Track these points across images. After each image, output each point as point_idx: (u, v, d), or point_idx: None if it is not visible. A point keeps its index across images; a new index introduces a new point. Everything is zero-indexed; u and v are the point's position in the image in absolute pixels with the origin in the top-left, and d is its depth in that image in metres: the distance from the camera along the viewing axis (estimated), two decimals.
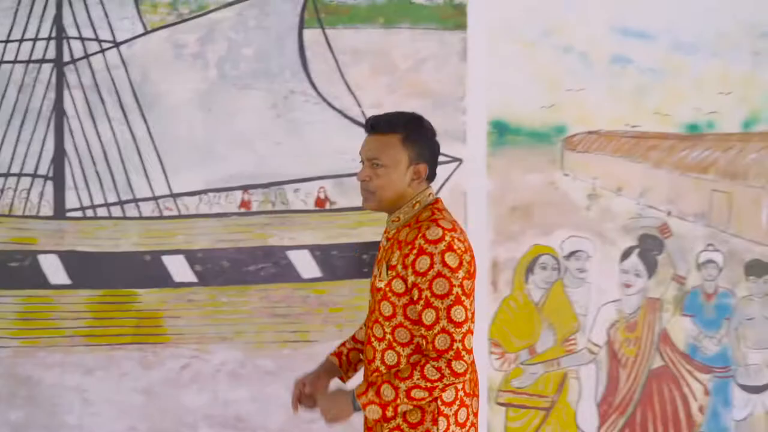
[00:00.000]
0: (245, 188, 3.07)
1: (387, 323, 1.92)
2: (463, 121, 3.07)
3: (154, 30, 3.04)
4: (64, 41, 3.04)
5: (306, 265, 3.08)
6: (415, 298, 1.86)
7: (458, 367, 1.81)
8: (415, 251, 1.85)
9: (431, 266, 1.83)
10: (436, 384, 1.82)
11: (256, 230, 3.08)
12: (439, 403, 1.88)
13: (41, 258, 3.04)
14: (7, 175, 3.03)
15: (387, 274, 1.91)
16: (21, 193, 3.04)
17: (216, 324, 3.08)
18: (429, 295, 1.83)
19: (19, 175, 3.04)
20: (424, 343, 1.85)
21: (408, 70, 3.06)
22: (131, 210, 3.05)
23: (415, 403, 1.84)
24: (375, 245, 3.00)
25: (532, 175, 3.09)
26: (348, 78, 3.06)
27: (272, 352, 3.07)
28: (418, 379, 1.82)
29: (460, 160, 3.07)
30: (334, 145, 3.06)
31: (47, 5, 3.01)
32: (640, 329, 3.16)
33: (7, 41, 3.02)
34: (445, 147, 3.02)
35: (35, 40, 3.03)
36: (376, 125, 2.00)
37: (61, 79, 3.05)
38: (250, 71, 3.05)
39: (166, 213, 3.05)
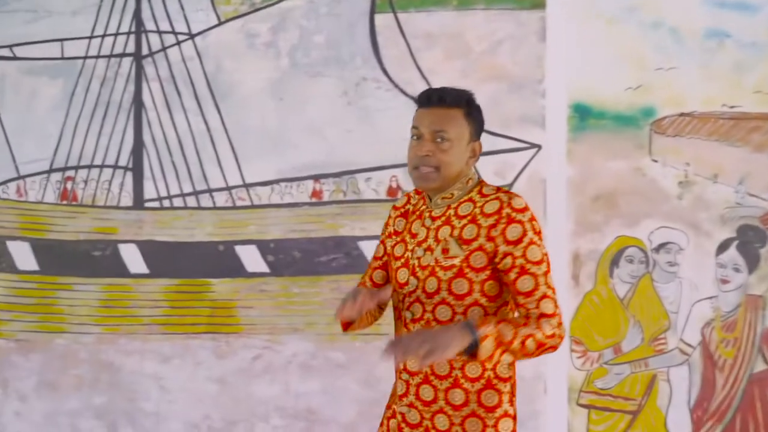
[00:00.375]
0: (317, 177, 3.03)
1: (459, 303, 1.82)
2: (542, 105, 2.91)
3: (227, 21, 3.05)
4: (143, 35, 3.10)
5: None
6: (507, 267, 1.80)
7: (563, 331, 1.79)
8: (504, 220, 1.80)
9: (524, 233, 1.79)
10: (547, 341, 1.76)
11: (327, 220, 3.03)
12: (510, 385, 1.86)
13: (121, 247, 3.12)
14: (90, 166, 3.13)
15: (461, 249, 1.81)
16: (103, 184, 3.13)
17: (288, 315, 3.05)
18: (524, 262, 1.79)
19: (102, 166, 3.13)
20: (524, 311, 1.80)
21: (483, 53, 2.93)
22: (205, 200, 3.07)
23: (521, 354, 1.75)
24: None
25: (616, 162, 2.88)
26: (420, 63, 2.96)
27: (344, 344, 3.01)
28: (535, 329, 1.75)
29: (538, 147, 2.91)
30: (406, 132, 2.95)
31: (127, 0, 3.09)
32: (739, 329, 2.88)
33: (91, 37, 3.12)
34: (523, 132, 2.92)
35: (116, 34, 3.11)
36: (443, 97, 1.87)
37: (139, 71, 3.11)
38: (322, 59, 3.01)
39: (239, 203, 3.06)
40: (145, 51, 3.11)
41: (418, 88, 2.91)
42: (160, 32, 3.09)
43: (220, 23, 3.05)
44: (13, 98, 3.18)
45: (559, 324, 1.78)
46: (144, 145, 3.11)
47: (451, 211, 1.87)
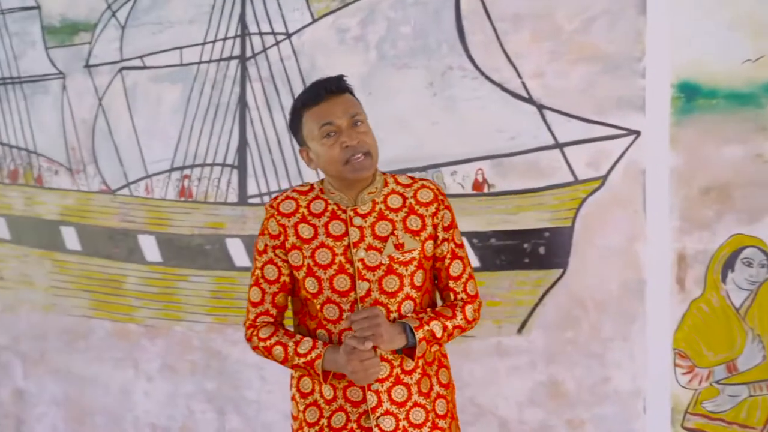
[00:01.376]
0: (403, 173, 2.94)
1: (418, 294, 1.89)
2: (641, 86, 2.56)
3: (320, 18, 3.08)
4: (247, 38, 3.23)
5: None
6: (443, 254, 1.90)
7: (480, 314, 2.00)
8: (442, 207, 1.90)
9: (453, 218, 1.93)
10: (467, 325, 1.94)
11: None
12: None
13: (228, 241, 3.27)
14: (203, 165, 3.32)
15: (414, 241, 1.85)
16: (213, 182, 3.30)
17: None
18: (454, 246, 1.93)
19: (212, 165, 3.31)
20: (452, 295, 1.94)
21: (575, 32, 2.65)
22: None
23: (444, 342, 1.91)
24: (537, 233, 2.68)
25: (731, 148, 2.45)
26: (507, 47, 2.75)
27: None
28: (460, 319, 1.90)
29: (637, 133, 2.57)
30: (492, 122, 2.79)
31: (234, 5, 3.23)
32: None
33: (203, 43, 3.31)
34: (620, 117, 2.62)
35: (224, 39, 3.27)
36: (331, 86, 1.86)
37: (244, 73, 3.24)
38: (408, 49, 2.92)
39: None
40: (249, 53, 3.23)
41: (505, 75, 2.77)
42: (261, 34, 3.19)
43: (314, 21, 3.08)
44: (143, 104, 3.47)
45: (480, 306, 1.98)
46: (247, 144, 3.23)
47: (381, 206, 1.86)
